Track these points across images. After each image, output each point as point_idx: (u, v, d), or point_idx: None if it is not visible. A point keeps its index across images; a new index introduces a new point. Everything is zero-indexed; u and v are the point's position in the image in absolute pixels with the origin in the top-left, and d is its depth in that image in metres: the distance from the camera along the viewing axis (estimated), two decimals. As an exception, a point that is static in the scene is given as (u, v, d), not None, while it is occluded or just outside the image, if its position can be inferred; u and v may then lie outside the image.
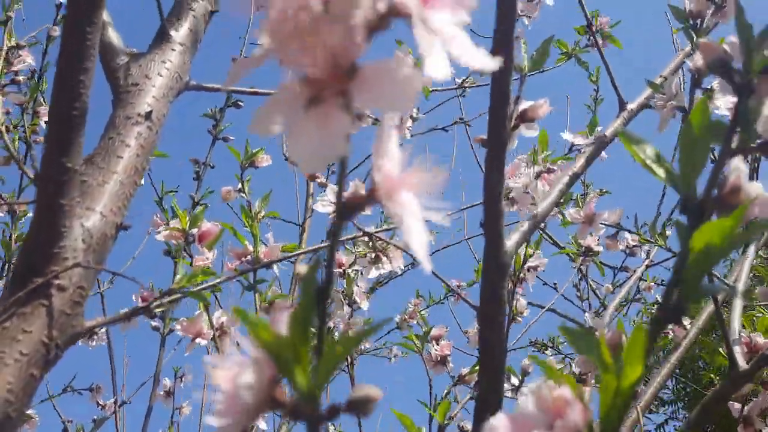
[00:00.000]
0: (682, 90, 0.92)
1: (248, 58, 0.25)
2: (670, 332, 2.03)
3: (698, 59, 0.87)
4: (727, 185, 0.37)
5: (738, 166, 0.37)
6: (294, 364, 0.26)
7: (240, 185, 1.33)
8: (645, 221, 1.46)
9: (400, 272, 1.53)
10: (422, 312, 2.35)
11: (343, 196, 0.27)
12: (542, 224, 1.50)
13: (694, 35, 0.94)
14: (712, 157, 0.41)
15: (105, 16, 0.89)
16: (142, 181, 0.99)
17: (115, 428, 1.65)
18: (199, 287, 0.76)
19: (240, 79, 0.25)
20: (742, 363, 0.84)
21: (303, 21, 0.23)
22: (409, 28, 0.27)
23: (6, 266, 1.41)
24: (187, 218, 0.86)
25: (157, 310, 0.74)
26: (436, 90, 1.73)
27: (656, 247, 1.76)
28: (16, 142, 1.33)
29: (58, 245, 0.66)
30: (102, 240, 0.71)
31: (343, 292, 1.52)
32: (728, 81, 0.41)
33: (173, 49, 0.88)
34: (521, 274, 1.25)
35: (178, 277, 0.75)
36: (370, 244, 1.22)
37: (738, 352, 0.86)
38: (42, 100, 1.49)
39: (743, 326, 0.97)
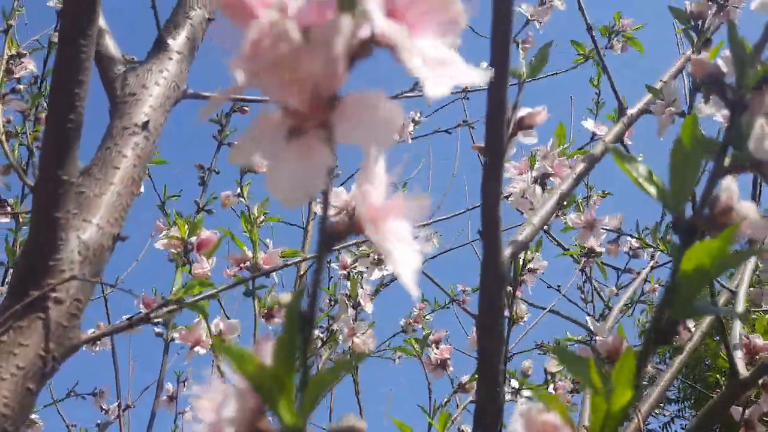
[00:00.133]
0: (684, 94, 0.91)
1: (223, 91, 0.25)
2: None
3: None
4: (718, 205, 0.37)
5: (729, 185, 0.36)
6: (278, 394, 0.26)
7: (239, 190, 1.33)
8: (646, 225, 1.45)
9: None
10: (427, 316, 2.35)
11: (327, 225, 0.27)
12: (546, 226, 1.50)
13: (695, 37, 0.93)
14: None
15: (103, 26, 0.89)
16: (142, 189, 0.99)
17: (119, 432, 1.65)
18: (197, 297, 0.76)
19: (216, 111, 0.25)
20: (742, 371, 0.83)
21: (281, 52, 0.23)
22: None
23: (9, 272, 1.41)
24: (186, 227, 0.86)
25: (156, 320, 0.74)
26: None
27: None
28: (17, 151, 1.33)
29: (54, 258, 0.66)
30: (99, 251, 0.71)
31: (347, 294, 1.52)
32: (721, 97, 0.40)
33: (170, 58, 0.88)
34: (521, 278, 1.24)
35: (175, 288, 0.75)
36: (373, 246, 1.22)
37: (739, 358, 0.86)
38: (45, 104, 1.49)
39: (742, 327, 0.97)
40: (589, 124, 1.02)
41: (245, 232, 1.08)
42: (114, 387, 1.61)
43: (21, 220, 1.35)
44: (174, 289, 0.75)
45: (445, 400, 1.32)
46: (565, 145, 1.01)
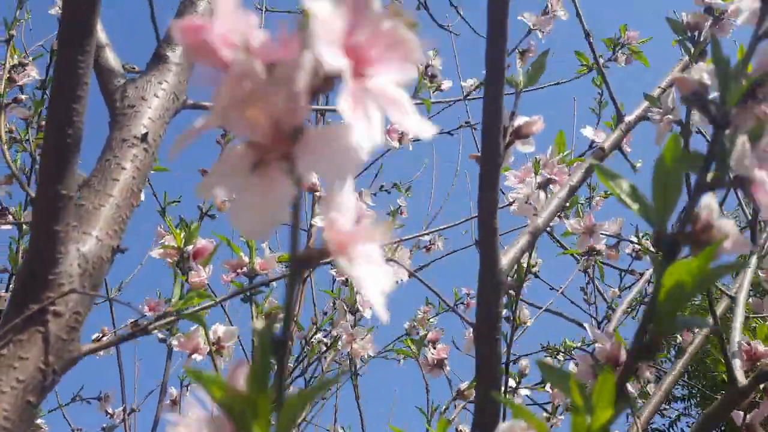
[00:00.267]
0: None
1: (190, 129, 0.25)
2: (678, 336, 2.02)
3: (694, 73, 0.86)
4: (699, 222, 0.37)
5: (710, 203, 0.37)
6: (251, 419, 0.27)
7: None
8: (646, 231, 1.45)
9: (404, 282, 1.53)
10: (431, 319, 2.35)
11: (297, 252, 0.27)
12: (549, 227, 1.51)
13: (692, 48, 0.94)
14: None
15: (104, 40, 0.90)
16: (143, 197, 1.00)
17: (125, 436, 1.66)
18: (196, 308, 0.77)
19: (184, 149, 0.26)
20: (741, 379, 0.83)
21: (245, 88, 0.24)
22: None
23: (12, 279, 1.43)
24: (182, 235, 0.87)
25: (154, 331, 0.75)
26: (439, 102, 1.73)
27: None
28: (18, 161, 1.34)
29: (53, 271, 0.67)
30: (98, 264, 0.72)
31: (345, 300, 1.52)
32: (704, 114, 0.41)
33: (170, 70, 0.89)
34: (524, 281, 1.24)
35: (174, 299, 0.76)
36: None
37: (738, 367, 0.86)
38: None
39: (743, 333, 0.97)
40: (588, 131, 1.02)
41: (242, 237, 1.08)
42: (119, 391, 1.62)
43: (23, 228, 1.36)
44: (173, 300, 0.76)
45: (444, 407, 1.32)
46: (565, 153, 1.01)
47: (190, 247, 0.88)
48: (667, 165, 0.38)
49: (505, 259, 0.82)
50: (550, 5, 1.73)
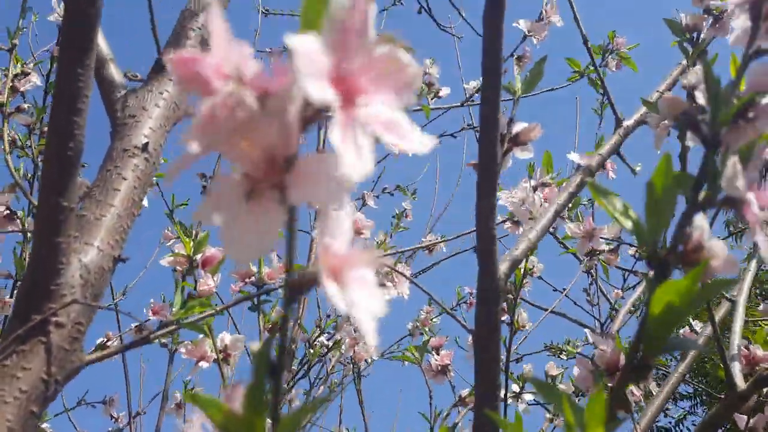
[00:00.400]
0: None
1: (180, 158, 0.26)
2: (682, 337, 2.02)
3: (691, 76, 0.86)
4: (690, 242, 0.37)
5: (701, 223, 0.37)
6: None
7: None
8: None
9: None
10: (434, 319, 2.36)
11: (291, 279, 0.28)
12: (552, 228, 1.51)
13: (690, 50, 0.94)
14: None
15: (106, 52, 0.90)
16: (145, 203, 1.01)
17: (130, 439, 1.67)
18: (199, 317, 0.78)
19: (177, 177, 0.26)
20: (740, 383, 0.83)
21: (238, 119, 0.24)
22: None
23: (16, 284, 1.43)
24: (191, 244, 0.88)
25: (156, 340, 0.76)
26: (439, 108, 1.74)
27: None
28: (21, 170, 1.35)
29: (55, 282, 0.68)
30: (100, 274, 0.73)
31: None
32: (695, 133, 0.41)
33: (170, 79, 0.89)
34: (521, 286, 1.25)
35: (175, 309, 0.76)
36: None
37: (737, 371, 0.86)
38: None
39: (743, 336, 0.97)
40: (574, 156, 1.04)
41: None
42: (124, 395, 1.63)
43: (28, 236, 1.37)
44: (174, 309, 0.76)
45: (446, 413, 1.33)
46: (554, 174, 1.03)
47: (199, 256, 0.89)
48: (659, 187, 0.38)
49: (503, 266, 0.82)
50: (544, 12, 1.74)
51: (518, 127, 0.87)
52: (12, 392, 0.63)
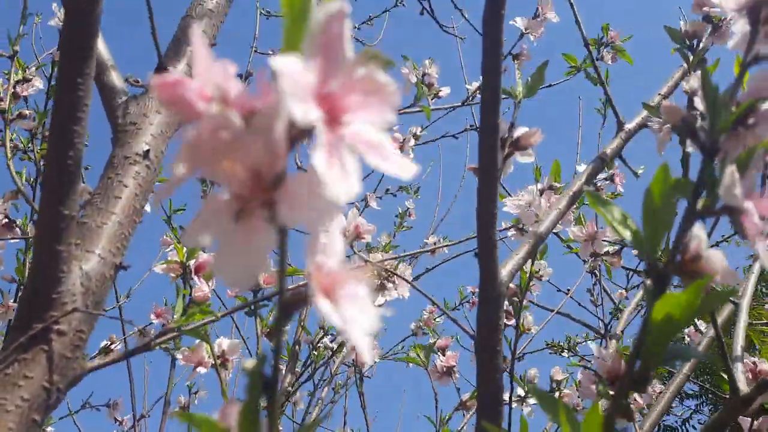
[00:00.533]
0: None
1: (171, 180, 0.26)
2: (687, 337, 2.02)
3: (693, 81, 0.86)
4: (688, 252, 0.37)
5: (698, 234, 0.37)
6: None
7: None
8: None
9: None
10: (437, 319, 2.35)
11: (283, 298, 0.28)
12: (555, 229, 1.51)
13: (690, 56, 0.93)
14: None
15: (107, 59, 0.90)
16: (148, 208, 1.01)
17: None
18: (199, 323, 0.78)
19: (169, 196, 0.26)
20: (743, 387, 0.83)
21: (223, 139, 0.24)
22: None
23: (19, 289, 1.44)
24: (184, 250, 0.88)
25: (157, 347, 0.76)
26: (441, 108, 1.74)
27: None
28: (24, 174, 1.35)
29: (56, 290, 0.68)
30: (101, 281, 0.73)
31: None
32: (694, 141, 0.41)
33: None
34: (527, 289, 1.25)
35: (176, 316, 0.76)
36: (375, 271, 1.23)
37: (740, 373, 0.86)
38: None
39: (747, 352, 0.96)
40: (581, 168, 1.03)
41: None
42: (129, 398, 1.63)
43: (30, 241, 1.37)
44: (175, 316, 0.77)
45: (447, 417, 1.33)
46: (561, 185, 1.03)
47: (192, 262, 0.89)
48: (657, 197, 0.38)
49: (504, 271, 0.82)
50: (540, 9, 1.74)
51: (519, 131, 0.87)
52: (14, 400, 0.63)
